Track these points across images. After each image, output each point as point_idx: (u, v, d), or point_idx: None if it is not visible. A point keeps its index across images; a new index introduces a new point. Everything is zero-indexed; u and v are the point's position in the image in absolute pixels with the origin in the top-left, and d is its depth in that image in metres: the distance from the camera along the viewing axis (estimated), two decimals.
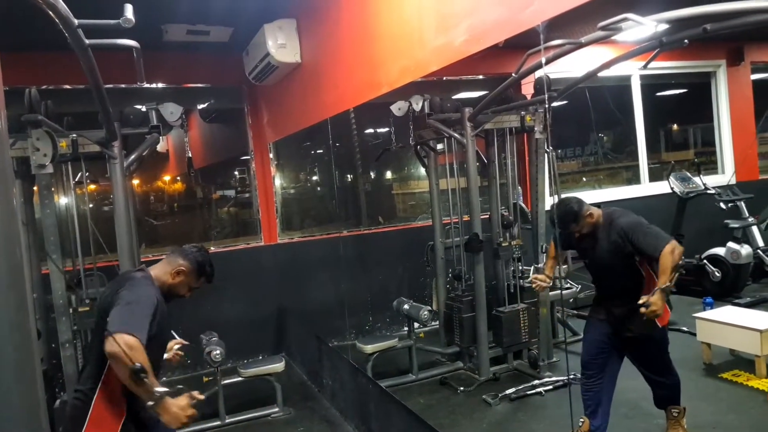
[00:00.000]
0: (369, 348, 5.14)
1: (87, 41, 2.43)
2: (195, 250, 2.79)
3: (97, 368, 2.47)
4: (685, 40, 3.47)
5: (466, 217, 5.57)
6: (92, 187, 5.15)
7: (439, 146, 5.82)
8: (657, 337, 3.52)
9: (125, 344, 2.20)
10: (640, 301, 3.18)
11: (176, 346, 2.86)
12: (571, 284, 5.80)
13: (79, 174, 4.59)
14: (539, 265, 5.19)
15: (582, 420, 3.63)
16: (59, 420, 4.03)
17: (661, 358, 3.62)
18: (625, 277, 3.50)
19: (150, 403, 2.22)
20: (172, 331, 2.33)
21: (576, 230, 3.52)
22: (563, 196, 3.99)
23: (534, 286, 4.00)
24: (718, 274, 6.61)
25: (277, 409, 4.92)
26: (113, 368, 2.28)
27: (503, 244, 5.34)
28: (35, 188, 4.33)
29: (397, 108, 5.46)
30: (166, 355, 2.82)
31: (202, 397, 2.34)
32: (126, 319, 2.32)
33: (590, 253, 3.61)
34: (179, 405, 2.24)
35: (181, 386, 2.29)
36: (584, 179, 8.42)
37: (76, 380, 4.01)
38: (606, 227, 3.47)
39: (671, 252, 3.17)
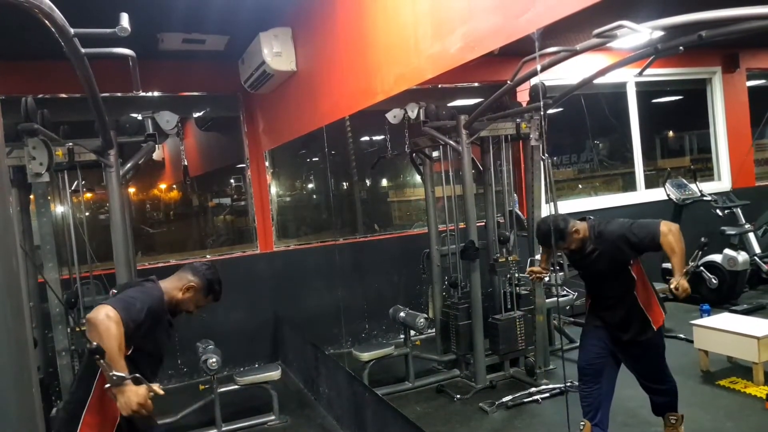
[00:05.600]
0: (365, 356, 5.13)
1: (83, 50, 2.44)
2: (205, 268, 2.82)
3: (92, 371, 2.48)
4: (681, 47, 3.49)
5: (462, 225, 5.57)
6: (88, 195, 5.13)
7: (435, 154, 5.84)
8: (653, 340, 3.54)
9: (104, 313, 2.26)
10: (671, 285, 3.22)
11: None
12: (567, 291, 5.80)
13: (76, 182, 4.58)
14: (535, 257, 5.17)
15: (583, 423, 3.63)
16: (56, 428, 4.00)
17: (657, 363, 3.63)
18: (619, 283, 3.52)
19: (107, 385, 2.21)
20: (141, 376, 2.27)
21: (564, 247, 3.55)
22: (543, 215, 4.00)
23: (531, 277, 4.08)
24: (714, 281, 6.63)
25: (273, 417, 4.90)
26: (87, 335, 2.30)
27: (500, 260, 5.34)
28: (32, 197, 4.32)
29: (393, 116, 5.46)
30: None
31: (161, 392, 2.29)
32: (116, 301, 2.40)
33: (583, 264, 3.63)
34: (137, 392, 2.20)
35: (139, 375, 2.24)
36: (580, 186, 8.43)
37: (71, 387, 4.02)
38: (594, 239, 3.49)
39: (668, 232, 3.27)
